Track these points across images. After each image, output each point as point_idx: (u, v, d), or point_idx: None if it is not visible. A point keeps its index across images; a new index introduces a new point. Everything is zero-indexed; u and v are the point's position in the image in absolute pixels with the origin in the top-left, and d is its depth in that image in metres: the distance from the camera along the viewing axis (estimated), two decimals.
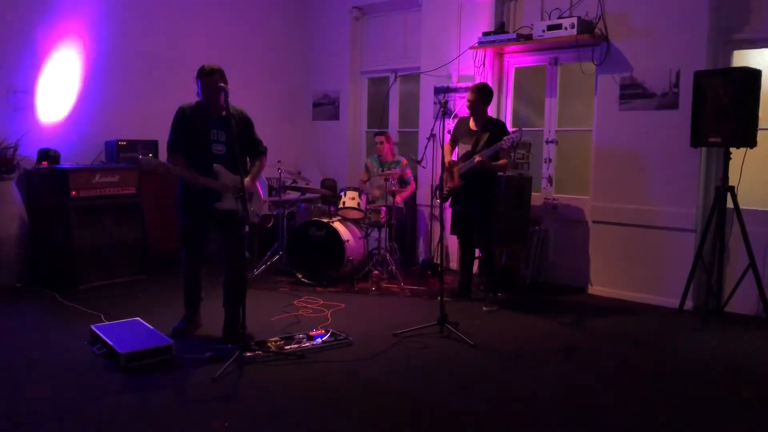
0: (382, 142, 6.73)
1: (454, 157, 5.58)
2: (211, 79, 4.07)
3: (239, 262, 4.20)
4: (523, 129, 5.50)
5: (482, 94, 5.35)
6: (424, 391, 3.58)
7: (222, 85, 4.03)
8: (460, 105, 6.35)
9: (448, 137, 5.71)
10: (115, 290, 5.58)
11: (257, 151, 4.43)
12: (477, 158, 5.12)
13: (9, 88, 5.82)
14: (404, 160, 6.69)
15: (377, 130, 7.30)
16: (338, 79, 8.00)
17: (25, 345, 4.21)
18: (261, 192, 4.51)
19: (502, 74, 6.57)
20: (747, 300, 5.05)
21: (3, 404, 3.30)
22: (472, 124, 5.43)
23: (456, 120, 5.84)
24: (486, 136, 5.28)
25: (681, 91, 5.27)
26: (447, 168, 5.34)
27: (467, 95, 5.39)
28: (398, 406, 3.37)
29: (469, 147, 5.36)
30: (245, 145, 4.29)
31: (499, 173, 5.47)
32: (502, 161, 5.26)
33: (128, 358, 3.74)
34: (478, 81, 6.22)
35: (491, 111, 6.39)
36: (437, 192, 5.37)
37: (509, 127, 6.44)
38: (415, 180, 6.84)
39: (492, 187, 5.41)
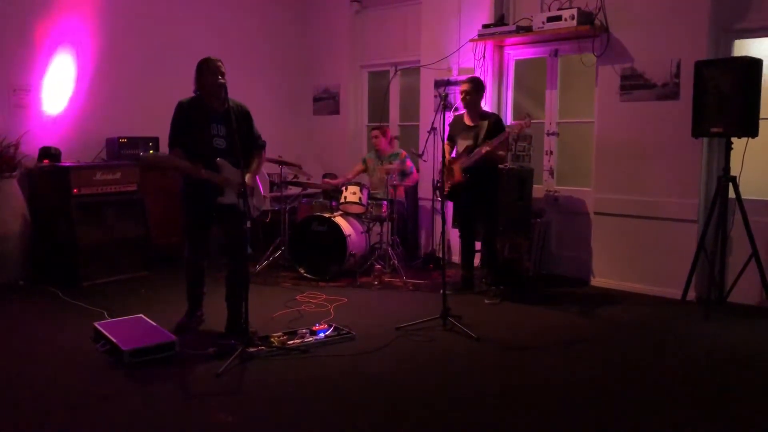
0: (377, 136, 6.73)
1: (453, 155, 5.58)
2: (211, 66, 4.07)
3: (241, 257, 4.20)
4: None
5: (477, 85, 5.36)
6: (428, 385, 3.58)
7: (222, 81, 4.03)
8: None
9: (448, 131, 5.69)
10: (117, 287, 5.59)
11: (257, 145, 4.42)
12: (486, 147, 5.12)
13: (10, 86, 5.82)
14: (404, 152, 6.68)
15: (377, 124, 7.29)
16: (338, 73, 7.99)
17: (29, 342, 4.22)
18: (260, 187, 4.51)
19: (502, 67, 6.56)
20: (750, 290, 5.04)
21: (7, 401, 3.31)
22: (467, 120, 5.43)
23: (453, 118, 5.83)
24: (485, 126, 5.27)
25: (682, 81, 5.25)
26: (447, 165, 5.33)
27: (462, 87, 5.38)
28: (401, 400, 3.38)
29: (469, 141, 5.34)
30: (245, 139, 4.28)
31: (500, 166, 5.48)
32: (501, 152, 5.26)
33: (132, 355, 3.75)
34: (478, 74, 6.23)
35: (492, 103, 6.41)
36: (438, 189, 5.36)
37: (510, 120, 6.46)
38: (417, 171, 6.83)
39: (494, 179, 5.41)
